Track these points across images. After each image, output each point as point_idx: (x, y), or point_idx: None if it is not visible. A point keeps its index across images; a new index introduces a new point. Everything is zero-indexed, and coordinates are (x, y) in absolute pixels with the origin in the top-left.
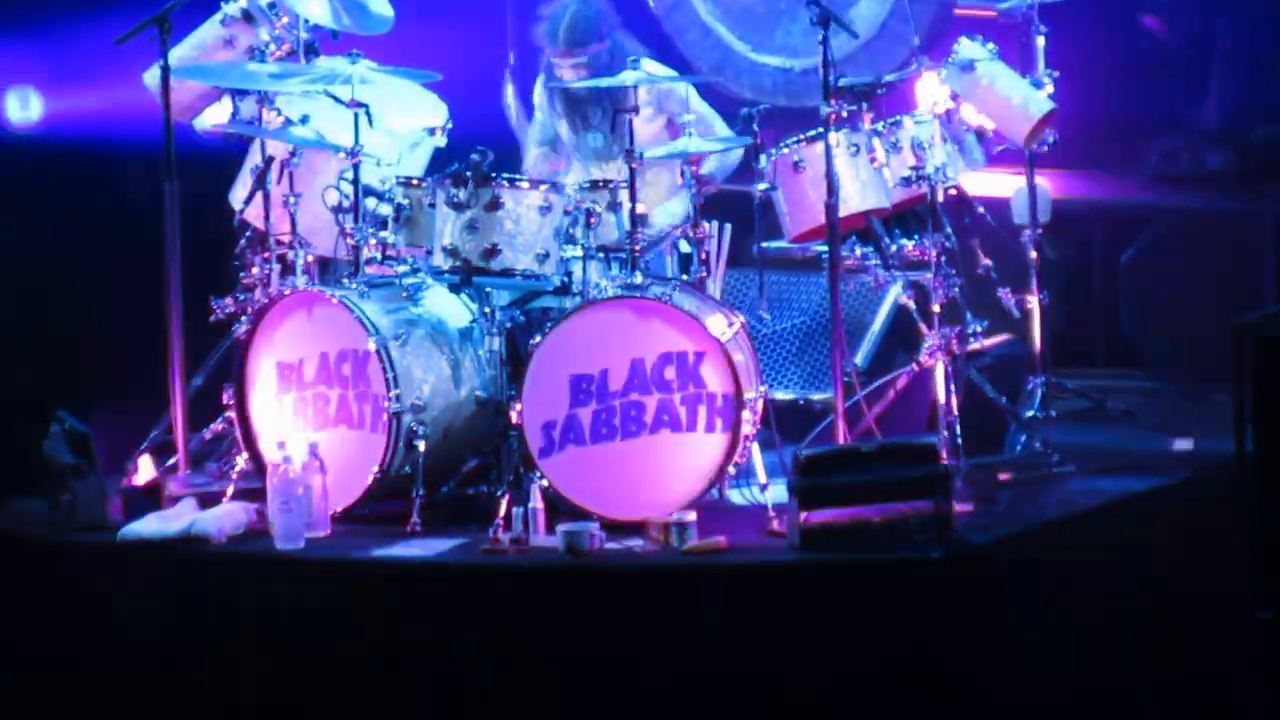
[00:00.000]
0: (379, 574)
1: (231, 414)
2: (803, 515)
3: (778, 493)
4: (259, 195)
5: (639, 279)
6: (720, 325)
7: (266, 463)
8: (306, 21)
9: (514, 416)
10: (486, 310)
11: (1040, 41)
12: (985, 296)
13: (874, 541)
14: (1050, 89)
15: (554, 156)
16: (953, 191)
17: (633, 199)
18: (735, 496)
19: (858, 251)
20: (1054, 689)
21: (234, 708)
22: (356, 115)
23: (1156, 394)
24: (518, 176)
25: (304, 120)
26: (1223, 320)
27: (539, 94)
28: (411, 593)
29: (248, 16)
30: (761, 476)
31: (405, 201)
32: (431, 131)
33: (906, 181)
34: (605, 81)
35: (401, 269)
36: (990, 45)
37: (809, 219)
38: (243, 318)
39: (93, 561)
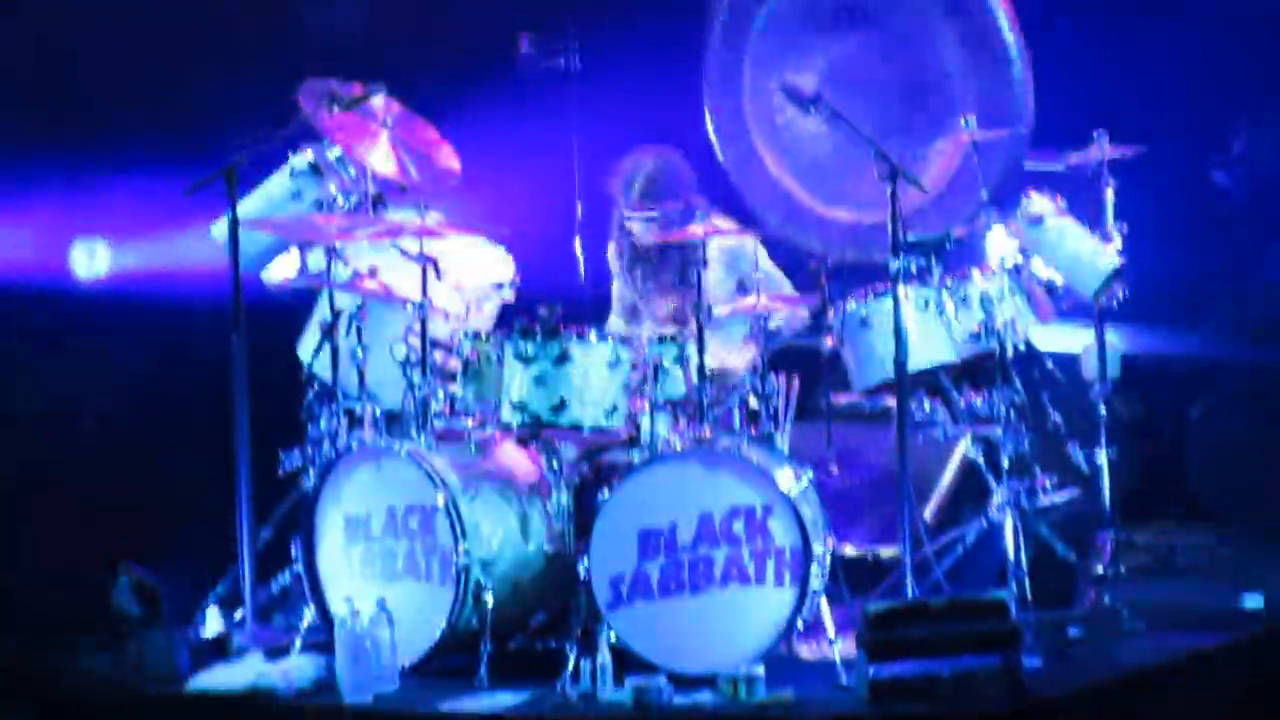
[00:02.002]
0: None
1: (299, 567)
2: (871, 669)
3: (846, 647)
4: (327, 348)
5: (707, 433)
6: (789, 479)
7: (334, 616)
8: (374, 175)
9: (582, 571)
10: (555, 464)
11: (1109, 195)
12: (1054, 451)
13: (943, 696)
14: (1119, 243)
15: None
16: (1021, 346)
17: (700, 353)
18: (803, 651)
19: (926, 405)
20: None
21: None
22: (425, 269)
23: (1227, 549)
24: (585, 330)
25: (372, 273)
26: None
27: (612, 254)
28: None
29: (315, 169)
30: (830, 631)
31: (473, 355)
32: (499, 286)
33: (975, 337)
34: (677, 237)
35: (470, 422)
36: (1059, 199)
37: (877, 373)
38: (310, 470)
39: (161, 714)
